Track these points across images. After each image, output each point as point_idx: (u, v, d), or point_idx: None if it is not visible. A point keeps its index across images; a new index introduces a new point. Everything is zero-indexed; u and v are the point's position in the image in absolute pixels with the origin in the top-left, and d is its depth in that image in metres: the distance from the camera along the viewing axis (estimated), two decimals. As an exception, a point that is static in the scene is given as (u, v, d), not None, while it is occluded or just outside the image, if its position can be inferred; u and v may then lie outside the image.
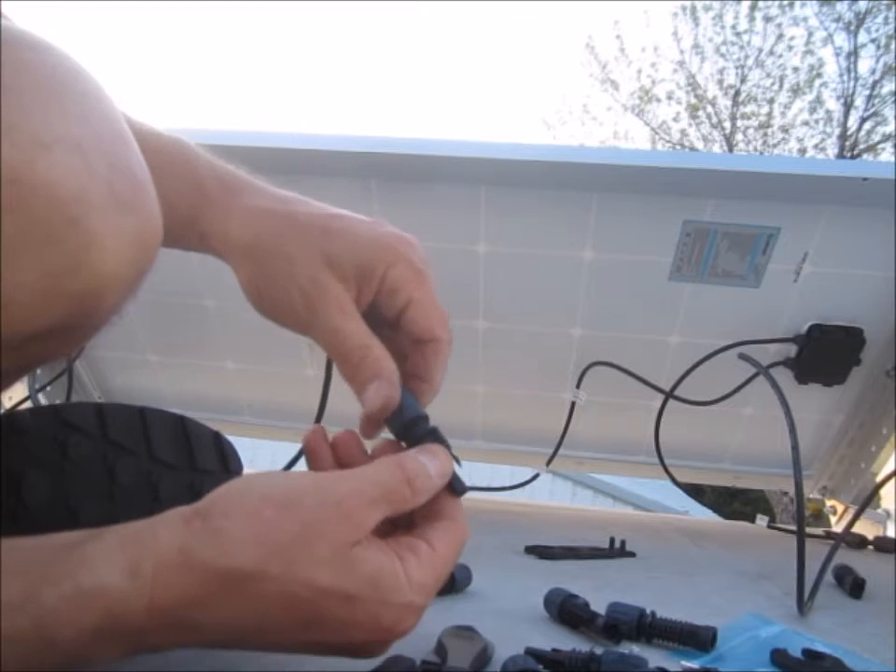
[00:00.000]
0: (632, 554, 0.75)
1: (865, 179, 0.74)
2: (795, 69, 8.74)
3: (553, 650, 0.43)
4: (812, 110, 8.79)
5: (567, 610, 0.51)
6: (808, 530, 0.77)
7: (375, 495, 0.31)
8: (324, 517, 0.30)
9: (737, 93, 8.98)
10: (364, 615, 0.30)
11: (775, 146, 8.96)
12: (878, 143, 8.45)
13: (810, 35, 8.56)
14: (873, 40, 8.16)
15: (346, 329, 0.37)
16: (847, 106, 8.51)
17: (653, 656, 0.45)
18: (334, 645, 0.31)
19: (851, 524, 0.76)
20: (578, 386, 0.95)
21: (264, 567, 0.28)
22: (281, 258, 0.37)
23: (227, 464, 0.50)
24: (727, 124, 9.12)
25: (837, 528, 1.01)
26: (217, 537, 0.29)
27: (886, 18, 7.95)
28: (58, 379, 1.01)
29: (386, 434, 0.39)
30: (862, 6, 8.05)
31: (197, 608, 0.28)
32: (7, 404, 0.94)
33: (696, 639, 0.47)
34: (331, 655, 0.32)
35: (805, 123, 8.90)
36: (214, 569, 0.28)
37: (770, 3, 8.50)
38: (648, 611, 0.49)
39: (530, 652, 0.43)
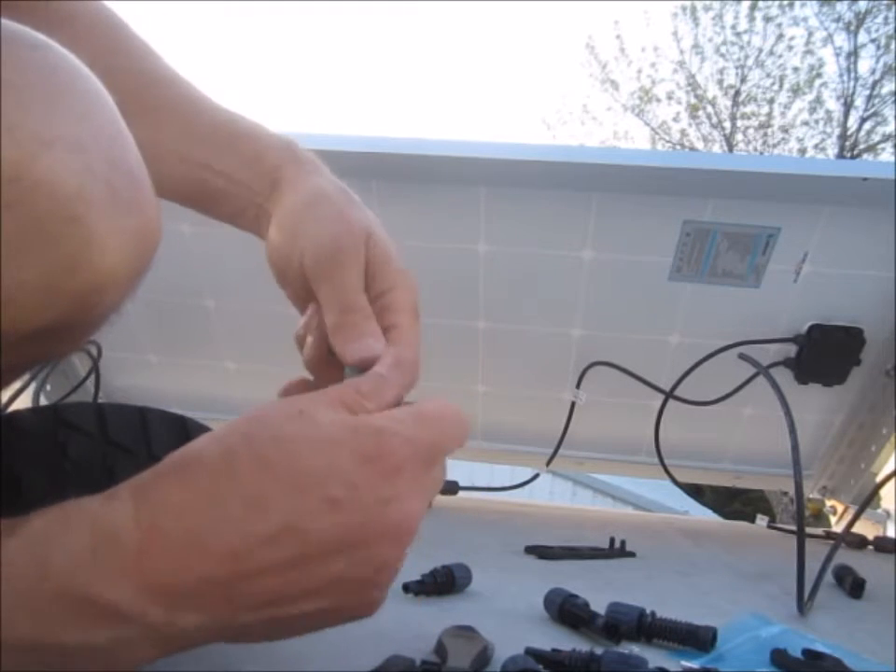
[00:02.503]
0: (632, 554, 0.75)
1: (865, 179, 0.74)
2: (795, 69, 8.76)
3: (553, 650, 0.43)
4: (812, 110, 8.80)
5: (566, 610, 0.51)
6: (808, 530, 0.77)
7: (313, 394, 0.32)
8: (267, 405, 0.31)
9: (737, 93, 8.99)
10: (342, 451, 0.29)
11: (775, 146, 8.96)
12: (878, 143, 8.46)
13: (810, 35, 8.57)
14: (873, 40, 8.17)
15: (361, 286, 0.38)
16: (847, 106, 8.51)
17: (653, 656, 0.45)
18: (340, 500, 0.28)
19: (851, 524, 0.76)
20: (578, 386, 0.95)
21: (229, 447, 0.28)
22: (335, 211, 0.40)
23: (227, 464, 0.50)
24: (727, 124, 9.13)
25: (837, 528, 1.01)
26: (180, 453, 0.29)
27: (886, 18, 7.96)
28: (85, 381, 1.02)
29: None
30: (862, 6, 8.06)
31: (183, 511, 0.27)
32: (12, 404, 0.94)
33: (696, 639, 0.47)
34: (349, 520, 0.29)
35: (805, 123, 8.91)
36: (184, 466, 0.28)
37: (770, 3, 8.51)
38: (648, 611, 0.49)
39: (530, 652, 0.43)
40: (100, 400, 1.08)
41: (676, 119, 9.40)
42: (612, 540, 0.76)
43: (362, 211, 0.41)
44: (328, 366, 0.40)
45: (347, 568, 0.29)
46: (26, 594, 0.25)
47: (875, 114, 8.42)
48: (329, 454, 0.29)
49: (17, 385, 0.92)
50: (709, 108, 9.19)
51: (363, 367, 0.36)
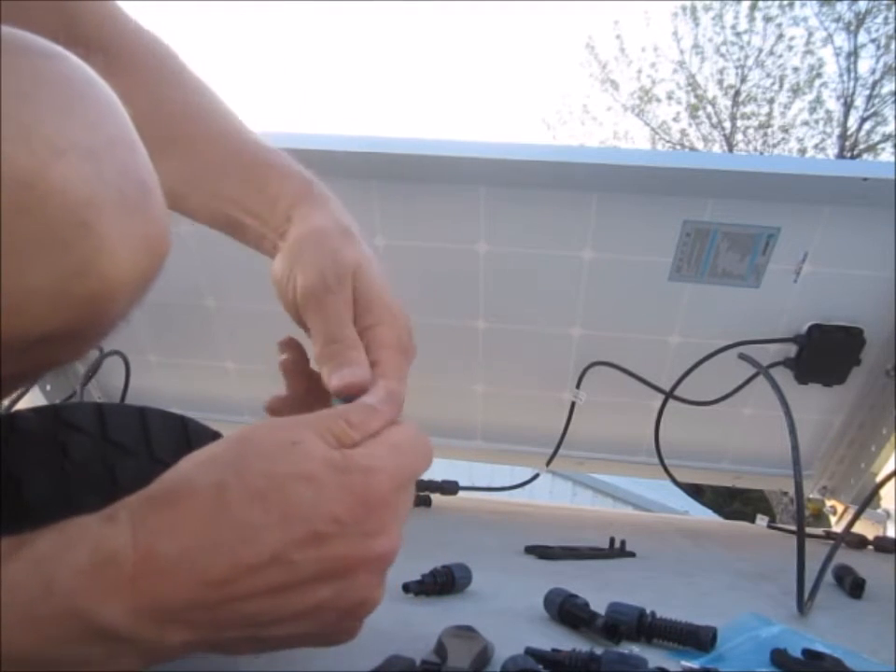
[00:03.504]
0: (632, 554, 0.75)
1: (865, 179, 0.74)
2: (795, 69, 8.76)
3: (553, 650, 0.43)
4: (812, 110, 8.81)
5: (566, 610, 0.51)
6: (808, 530, 0.77)
7: (304, 419, 0.33)
8: (257, 430, 0.32)
9: (737, 93, 8.99)
10: (332, 489, 0.30)
11: (775, 146, 8.97)
12: (878, 143, 8.47)
13: (810, 35, 8.58)
14: (873, 40, 8.18)
15: (348, 318, 0.40)
16: (847, 106, 8.52)
17: (653, 656, 0.46)
18: (328, 535, 0.30)
19: (851, 524, 0.75)
20: (578, 386, 0.95)
21: (220, 478, 0.29)
22: (326, 248, 0.41)
23: (227, 464, 0.50)
24: (727, 124, 9.13)
25: (837, 528, 1.01)
26: (171, 480, 0.30)
27: (886, 18, 7.97)
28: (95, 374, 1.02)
29: None
30: (862, 6, 8.07)
31: (178, 538, 0.28)
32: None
33: (696, 639, 0.47)
34: (335, 554, 0.30)
35: (805, 123, 8.92)
36: (178, 494, 0.29)
37: (770, 3, 8.51)
38: (648, 611, 0.49)
39: (530, 652, 0.43)
40: (99, 400, 1.08)
41: (676, 119, 9.42)
42: (612, 540, 0.76)
43: (355, 248, 0.42)
44: (310, 390, 0.42)
45: (330, 597, 0.31)
46: (30, 613, 0.26)
47: (875, 114, 8.43)
48: (318, 491, 0.30)
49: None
50: (709, 108, 9.19)
51: (345, 395, 0.37)
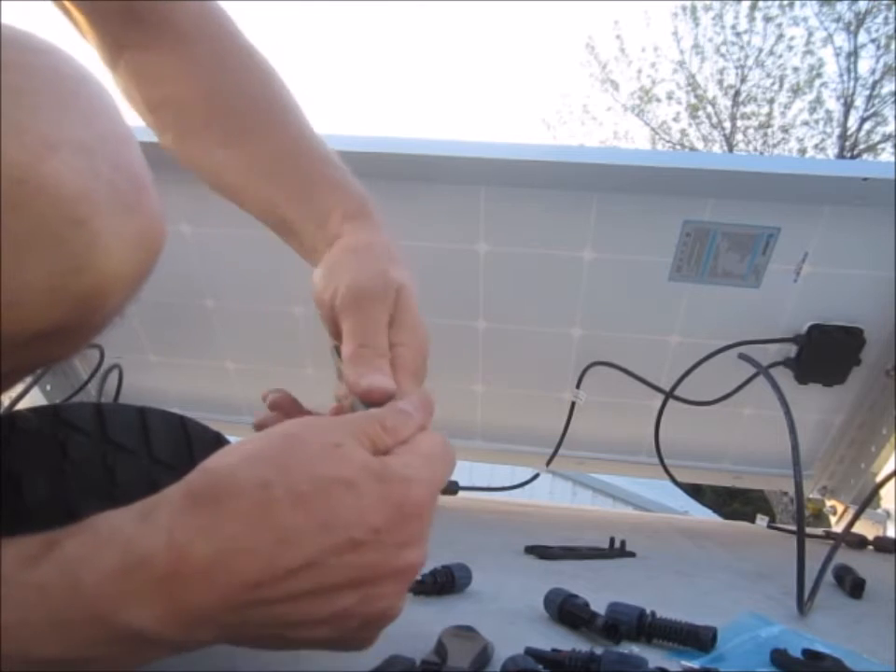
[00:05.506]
0: (632, 554, 0.75)
1: (865, 179, 0.74)
2: (795, 69, 8.75)
3: (553, 650, 0.43)
4: (812, 110, 8.80)
5: (566, 610, 0.51)
6: (808, 530, 0.77)
7: (344, 421, 0.34)
8: (304, 428, 0.32)
9: (737, 93, 8.99)
10: (371, 498, 0.30)
11: (775, 146, 8.96)
12: (878, 143, 8.46)
13: (810, 35, 8.57)
14: (873, 40, 8.17)
15: (384, 329, 0.40)
16: (847, 106, 8.51)
17: (653, 656, 0.45)
18: (363, 543, 0.30)
19: (851, 524, 0.75)
20: (578, 386, 0.95)
21: (265, 477, 0.29)
22: (376, 261, 0.42)
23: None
24: (727, 124, 9.13)
25: (837, 528, 1.01)
26: (215, 474, 0.29)
27: (886, 18, 7.96)
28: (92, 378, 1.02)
29: None
30: (862, 6, 8.06)
31: (216, 539, 0.27)
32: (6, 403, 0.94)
33: (696, 639, 0.47)
34: (368, 562, 0.30)
35: (805, 123, 8.91)
36: (221, 491, 0.28)
37: (770, 3, 8.50)
38: (648, 611, 0.49)
39: (530, 652, 0.43)
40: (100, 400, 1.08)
41: (676, 119, 9.41)
42: (612, 540, 0.76)
43: (402, 269, 0.43)
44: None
45: (355, 604, 0.31)
46: (58, 616, 0.26)
47: (875, 114, 8.43)
48: (359, 499, 0.30)
49: (19, 387, 0.92)
50: (709, 108, 9.19)
51: (368, 399, 0.37)
